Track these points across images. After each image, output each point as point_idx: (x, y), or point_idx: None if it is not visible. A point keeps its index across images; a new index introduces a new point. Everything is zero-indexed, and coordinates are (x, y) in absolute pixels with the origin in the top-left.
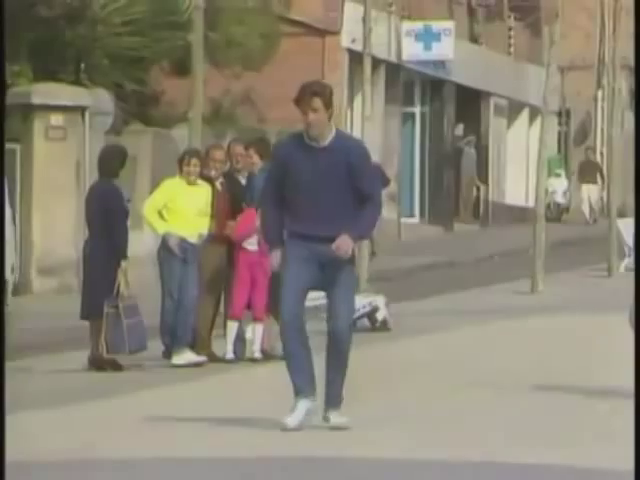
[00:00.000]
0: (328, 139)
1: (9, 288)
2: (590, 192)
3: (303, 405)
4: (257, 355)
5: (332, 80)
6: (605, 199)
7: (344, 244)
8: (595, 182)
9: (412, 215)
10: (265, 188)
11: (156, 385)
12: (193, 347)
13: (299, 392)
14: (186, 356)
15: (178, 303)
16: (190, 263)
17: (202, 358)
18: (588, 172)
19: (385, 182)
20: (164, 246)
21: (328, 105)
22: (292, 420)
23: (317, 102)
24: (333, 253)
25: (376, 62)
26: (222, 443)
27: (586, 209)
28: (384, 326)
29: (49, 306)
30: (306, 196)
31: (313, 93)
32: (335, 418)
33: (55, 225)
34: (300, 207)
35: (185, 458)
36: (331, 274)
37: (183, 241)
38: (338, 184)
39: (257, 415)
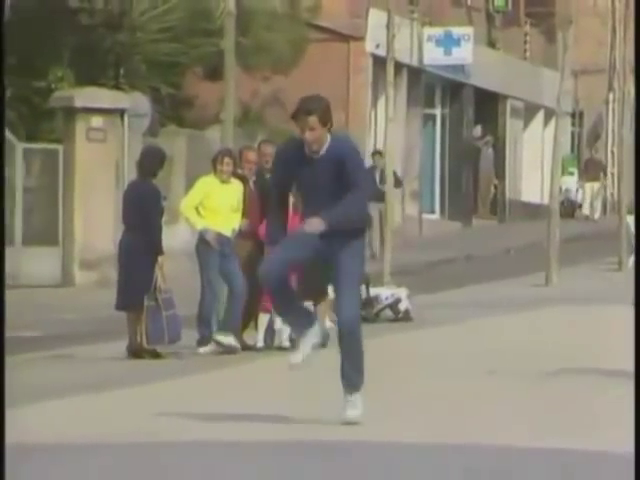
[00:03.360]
0: (324, 148)
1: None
2: (593, 189)
3: (306, 344)
4: (285, 344)
5: (357, 83)
6: (615, 196)
7: (314, 222)
8: (598, 179)
9: (433, 211)
10: (271, 190)
11: (192, 372)
12: None
13: (299, 332)
14: (228, 339)
15: (229, 292)
16: (229, 255)
17: (237, 345)
18: (592, 170)
19: (397, 184)
20: (202, 241)
21: (325, 121)
22: (295, 357)
23: (312, 120)
24: (305, 228)
25: (399, 66)
26: (251, 428)
27: (588, 206)
28: (406, 317)
29: (90, 298)
30: (307, 203)
31: (307, 112)
32: (350, 411)
33: (95, 222)
34: (304, 212)
35: (216, 442)
36: (336, 268)
37: (219, 235)
38: (335, 190)
39: (285, 400)
